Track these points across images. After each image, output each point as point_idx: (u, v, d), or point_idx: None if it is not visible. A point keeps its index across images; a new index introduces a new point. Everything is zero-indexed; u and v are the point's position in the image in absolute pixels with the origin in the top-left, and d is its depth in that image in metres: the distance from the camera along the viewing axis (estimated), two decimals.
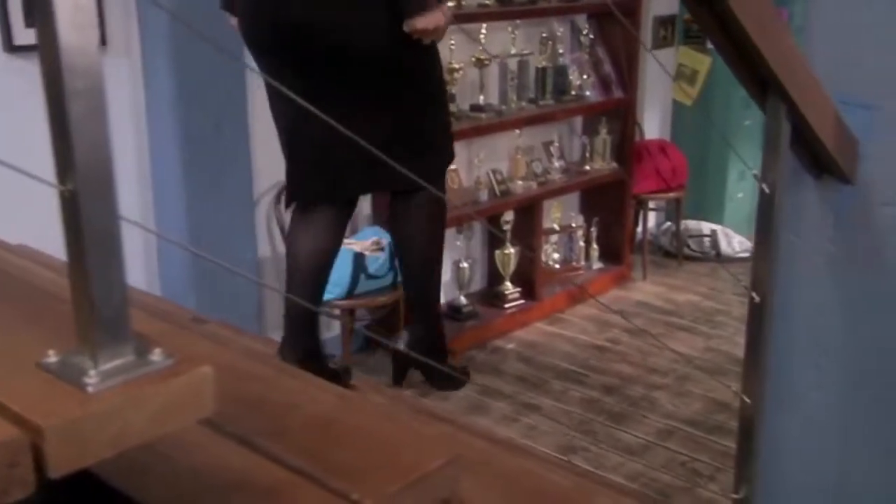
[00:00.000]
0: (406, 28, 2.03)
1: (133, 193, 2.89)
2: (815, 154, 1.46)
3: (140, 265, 2.98)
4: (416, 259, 2.38)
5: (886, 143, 1.42)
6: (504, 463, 1.14)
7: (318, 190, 2.23)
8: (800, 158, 1.49)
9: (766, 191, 1.36)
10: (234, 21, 2.21)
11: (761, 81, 1.29)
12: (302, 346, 2.28)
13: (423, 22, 2.01)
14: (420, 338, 2.47)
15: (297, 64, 2.05)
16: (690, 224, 4.84)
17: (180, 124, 2.81)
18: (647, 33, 4.65)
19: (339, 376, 2.26)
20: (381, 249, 3.24)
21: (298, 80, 2.02)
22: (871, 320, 1.49)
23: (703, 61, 4.71)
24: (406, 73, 2.13)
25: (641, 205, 4.64)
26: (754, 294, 1.39)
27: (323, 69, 2.06)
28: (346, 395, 1.06)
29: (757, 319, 1.40)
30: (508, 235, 3.90)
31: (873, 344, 1.50)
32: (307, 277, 2.27)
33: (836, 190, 1.50)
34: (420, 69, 2.17)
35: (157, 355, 0.61)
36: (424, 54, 2.15)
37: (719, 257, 4.77)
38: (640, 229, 4.69)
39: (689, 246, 4.85)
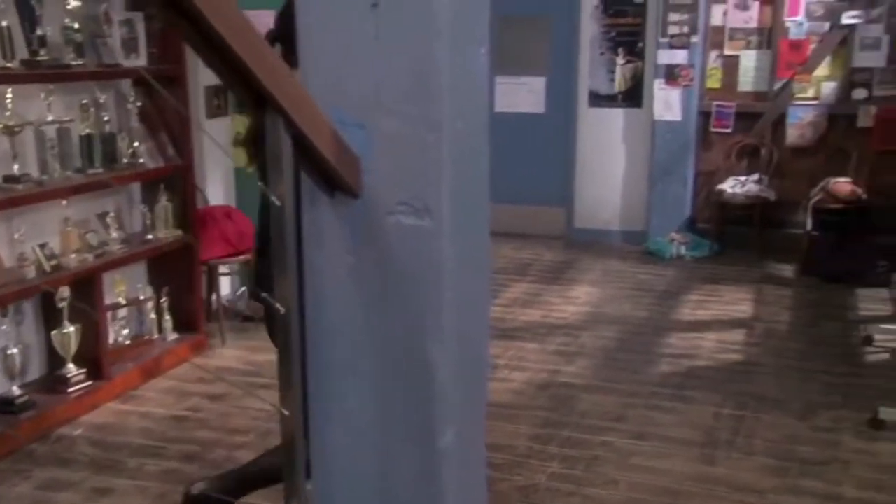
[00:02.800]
0: None
1: None
2: (324, 172, 1.55)
3: None
4: None
5: (381, 157, 1.56)
6: None
7: None
8: (313, 179, 1.58)
9: (278, 203, 1.41)
10: None
11: (258, 97, 1.35)
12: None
13: None
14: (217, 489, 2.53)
15: None
16: None
17: None
18: (198, 102, 4.67)
19: None
20: None
21: None
22: (393, 320, 1.61)
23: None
24: None
25: (212, 271, 4.59)
26: (278, 305, 1.43)
27: None
28: None
29: (284, 330, 1.44)
30: (66, 314, 3.59)
31: (397, 342, 1.62)
32: None
33: (347, 204, 1.60)
34: None
35: None
36: None
37: None
38: (215, 296, 4.63)
39: None
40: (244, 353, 4.41)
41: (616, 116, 6.65)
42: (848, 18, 5.94)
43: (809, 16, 6.09)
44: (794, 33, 6.15)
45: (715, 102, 6.43)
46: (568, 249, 6.61)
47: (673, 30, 6.21)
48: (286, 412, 1.44)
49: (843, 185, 5.96)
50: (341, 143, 1.53)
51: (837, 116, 6.15)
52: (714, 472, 3.17)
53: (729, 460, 3.26)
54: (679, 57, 6.25)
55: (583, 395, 3.85)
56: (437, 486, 1.68)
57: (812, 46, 6.12)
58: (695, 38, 6.20)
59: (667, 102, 6.34)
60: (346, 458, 1.68)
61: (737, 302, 5.26)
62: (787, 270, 5.92)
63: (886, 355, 4.37)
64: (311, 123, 1.42)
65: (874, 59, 5.97)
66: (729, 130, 6.44)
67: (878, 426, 3.48)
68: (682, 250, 6.31)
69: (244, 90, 1.34)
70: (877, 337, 4.53)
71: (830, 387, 3.95)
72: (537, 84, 6.78)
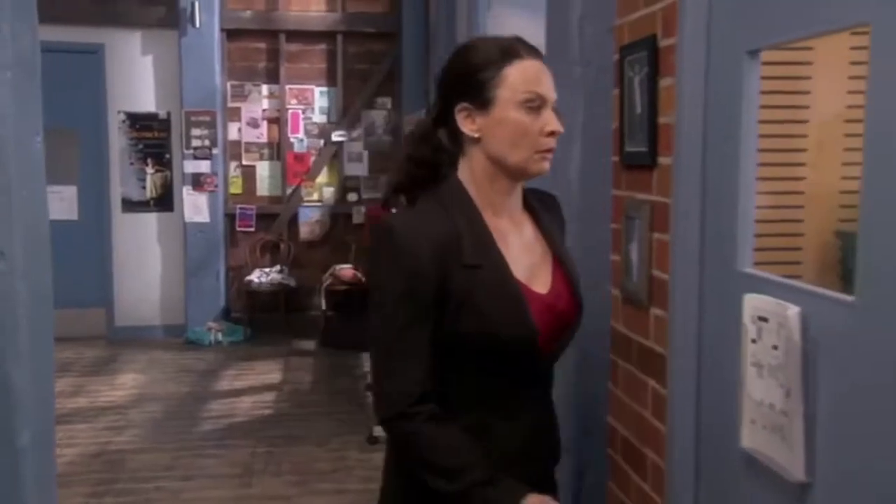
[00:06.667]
0: None
1: None
2: None
3: None
4: None
5: None
6: None
7: None
8: None
9: None
10: None
11: None
12: None
13: None
14: None
15: None
16: None
17: None
18: None
19: None
20: None
21: None
22: None
23: None
24: None
25: None
26: None
27: None
28: None
29: None
30: None
31: None
32: None
33: None
34: None
35: None
36: None
37: None
38: None
39: None
40: None
41: (150, 220, 7.22)
42: (336, 137, 7.40)
43: (308, 133, 7.43)
44: (298, 147, 7.43)
45: (238, 206, 7.38)
46: (111, 347, 6.90)
47: (196, 143, 7.05)
48: None
49: (346, 270, 7.26)
50: None
51: (338, 215, 7.50)
52: (252, 493, 3.88)
53: (263, 482, 4.00)
54: (203, 167, 7.10)
55: (134, 457, 4.30)
56: (18, 480, 2.12)
57: (312, 159, 7.44)
58: (216, 151, 7.11)
59: (196, 206, 7.11)
60: None
61: (268, 372, 6.11)
62: (310, 345, 6.96)
63: None
64: None
65: (359, 169, 7.49)
66: (252, 229, 7.42)
67: (374, 441, 4.53)
68: (220, 337, 7.02)
69: None
70: None
71: (342, 422, 4.94)
72: (69, 192, 7.07)
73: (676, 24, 1.86)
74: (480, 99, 1.43)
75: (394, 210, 1.56)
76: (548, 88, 1.44)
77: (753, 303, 1.58)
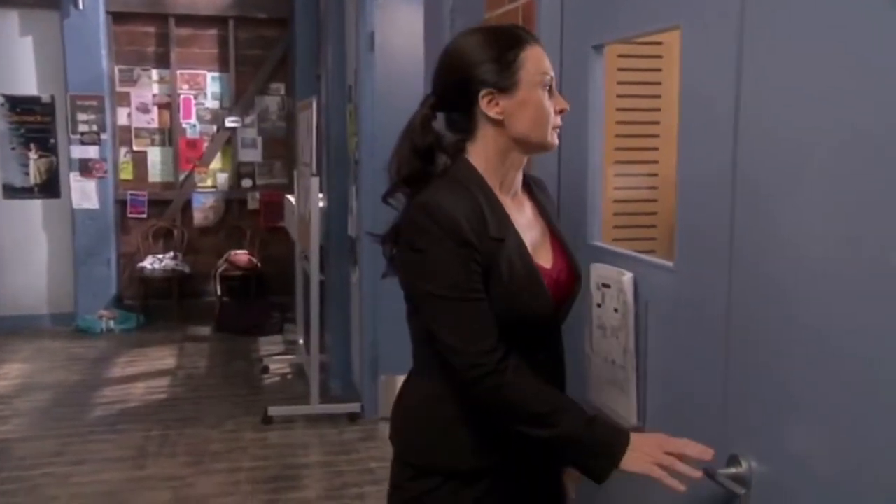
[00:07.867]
0: None
1: None
2: None
3: None
4: None
5: None
6: None
7: None
8: None
9: None
10: None
11: None
12: None
13: None
14: None
15: None
16: None
17: None
18: None
19: None
20: None
21: None
22: None
23: None
24: None
25: None
26: None
27: None
28: None
29: None
30: None
31: None
32: None
33: None
34: None
35: None
36: None
37: None
38: None
39: None
40: None
41: (35, 207, 7.02)
42: (230, 122, 7.36)
43: (200, 119, 7.36)
44: (190, 133, 7.36)
45: (129, 192, 7.26)
46: None
47: (83, 128, 6.90)
48: None
49: (241, 256, 7.26)
50: None
51: (232, 201, 7.48)
52: (145, 474, 3.91)
53: (156, 464, 4.03)
54: (91, 152, 6.95)
55: (20, 445, 4.25)
56: None
57: (205, 144, 7.38)
58: (104, 136, 6.97)
59: (84, 193, 6.96)
60: None
61: (162, 358, 6.07)
62: (204, 330, 6.94)
63: (277, 378, 5.61)
64: None
65: (253, 155, 7.48)
66: (144, 216, 7.31)
67: (268, 421, 4.61)
68: (112, 324, 6.91)
69: None
70: (271, 367, 5.77)
71: (236, 404, 4.99)
72: None
73: (535, 20, 2.03)
74: (505, 83, 1.49)
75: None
76: (552, 71, 1.55)
77: (598, 271, 1.77)
